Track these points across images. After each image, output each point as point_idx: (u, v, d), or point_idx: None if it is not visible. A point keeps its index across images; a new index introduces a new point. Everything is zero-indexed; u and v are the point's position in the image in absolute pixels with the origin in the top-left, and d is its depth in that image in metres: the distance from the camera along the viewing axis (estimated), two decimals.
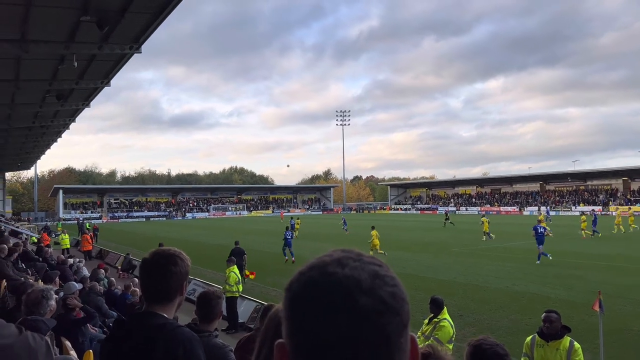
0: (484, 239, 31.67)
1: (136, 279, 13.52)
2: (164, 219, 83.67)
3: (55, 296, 4.24)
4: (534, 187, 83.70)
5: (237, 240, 19.88)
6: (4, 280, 8.08)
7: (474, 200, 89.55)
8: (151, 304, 2.26)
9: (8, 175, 70.31)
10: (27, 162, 48.82)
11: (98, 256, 27.70)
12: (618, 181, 73.09)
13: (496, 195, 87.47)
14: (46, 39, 12.26)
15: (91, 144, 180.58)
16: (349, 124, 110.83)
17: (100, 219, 76.65)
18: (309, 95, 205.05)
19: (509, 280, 17.51)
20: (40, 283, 8.02)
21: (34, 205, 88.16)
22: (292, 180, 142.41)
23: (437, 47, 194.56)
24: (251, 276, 16.99)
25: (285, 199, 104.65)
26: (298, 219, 40.86)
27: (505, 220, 53.76)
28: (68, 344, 4.47)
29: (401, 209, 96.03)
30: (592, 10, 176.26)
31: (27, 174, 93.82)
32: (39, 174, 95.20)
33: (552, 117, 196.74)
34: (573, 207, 70.95)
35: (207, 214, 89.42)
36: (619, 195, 71.52)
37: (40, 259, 13.49)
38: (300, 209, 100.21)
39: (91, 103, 20.51)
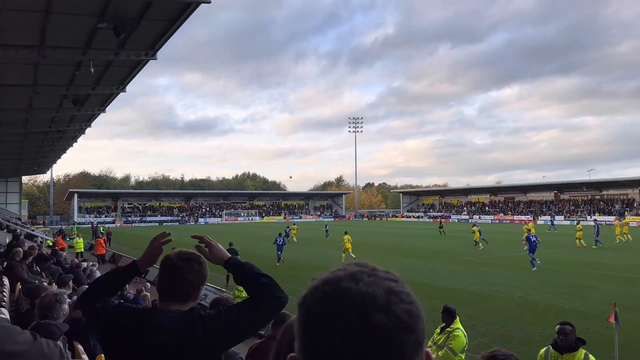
0: (480, 246, 32.03)
1: (148, 284, 13.61)
2: (177, 223, 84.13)
3: (68, 300, 4.27)
4: (549, 196, 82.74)
5: (232, 242, 21.55)
6: (19, 283, 8.17)
7: (487, 208, 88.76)
8: (168, 303, 2.26)
9: (25, 179, 71.38)
10: (44, 166, 49.50)
11: (111, 260, 27.92)
12: (634, 191, 71.95)
13: (510, 204, 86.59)
14: (64, 45, 12.46)
15: (107, 149, 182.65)
16: (361, 131, 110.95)
17: (114, 223, 77.33)
18: (322, 102, 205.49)
19: (523, 289, 17.29)
20: (54, 286, 8.10)
21: (49, 208, 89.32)
22: (304, 187, 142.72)
23: (452, 54, 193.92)
24: None
25: (297, 205, 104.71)
26: (294, 224, 42.54)
27: (519, 229, 53.15)
28: (80, 347, 4.50)
29: (413, 216, 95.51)
30: (610, 19, 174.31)
31: (43, 177, 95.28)
32: (55, 178, 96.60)
33: (567, 126, 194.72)
34: (588, 217, 69.94)
35: (219, 219, 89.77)
36: (635, 205, 70.40)
37: (55, 263, 13.62)
38: (311, 215, 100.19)
39: (107, 108, 20.77)
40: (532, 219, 62.53)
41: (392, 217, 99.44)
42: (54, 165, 54.51)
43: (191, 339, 2.14)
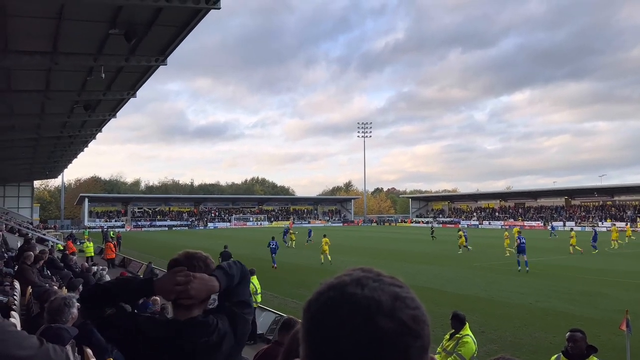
0: (462, 250, 32.78)
1: None
2: (186, 228, 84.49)
3: (77, 304, 4.31)
4: (559, 201, 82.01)
5: (226, 245, 23.14)
6: (30, 287, 8.24)
7: (497, 214, 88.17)
8: (180, 307, 2.26)
9: (36, 183, 72.08)
10: (55, 170, 50.02)
11: (121, 264, 28.08)
12: None
13: (520, 210, 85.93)
14: (76, 51, 12.62)
15: (118, 154, 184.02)
16: (370, 136, 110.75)
17: (124, 227, 77.81)
18: (332, 107, 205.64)
19: (533, 296, 17.13)
20: (65, 290, 8.16)
21: (60, 213, 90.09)
22: (313, 192, 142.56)
23: (463, 59, 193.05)
24: None
25: (305, 210, 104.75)
26: (292, 232, 43.61)
27: (530, 236, 52.66)
28: (89, 351, 4.52)
29: (422, 222, 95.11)
30: (624, 23, 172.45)
31: (55, 182, 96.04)
32: (66, 183, 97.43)
33: (579, 131, 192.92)
34: (600, 223, 69.22)
35: (228, 224, 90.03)
36: None
37: (65, 267, 13.73)
38: (320, 220, 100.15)
39: (117, 114, 20.96)
40: (551, 226, 61.64)
41: (401, 222, 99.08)
42: (65, 170, 55.13)
43: (225, 337, 2.20)
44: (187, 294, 2.16)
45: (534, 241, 43.82)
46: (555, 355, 5.81)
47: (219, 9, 10.34)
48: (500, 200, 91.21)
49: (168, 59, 13.53)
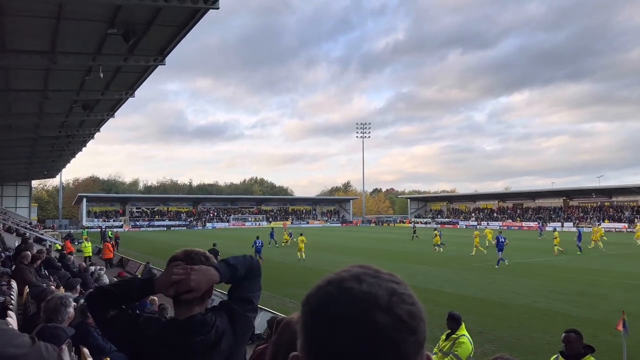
0: (438, 249, 34.40)
1: None
2: (185, 228, 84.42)
3: (74, 304, 4.30)
4: (557, 202, 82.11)
5: (215, 243, 24.35)
6: (27, 287, 8.24)
7: (495, 214, 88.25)
8: (180, 306, 2.26)
9: (34, 183, 72.03)
10: (53, 170, 49.96)
11: (119, 264, 28.05)
12: None
13: (518, 210, 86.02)
14: (74, 50, 12.61)
15: (117, 154, 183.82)
16: (369, 137, 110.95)
17: (122, 227, 77.74)
18: (332, 108, 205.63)
19: (531, 297, 17.16)
20: (62, 290, 8.15)
21: (58, 212, 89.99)
22: (312, 192, 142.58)
23: (462, 60, 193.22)
24: None
25: (304, 210, 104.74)
26: (287, 235, 44.82)
27: (527, 236, 52.85)
28: (86, 351, 4.52)
29: (421, 222, 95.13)
30: (624, 25, 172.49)
31: (53, 182, 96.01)
32: (64, 182, 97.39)
33: (577, 132, 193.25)
34: (597, 224, 69.36)
35: (227, 224, 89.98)
36: None
37: (63, 266, 13.71)
38: (319, 220, 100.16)
39: (116, 113, 20.95)
40: (540, 227, 61.92)
41: (400, 222, 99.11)
42: (63, 170, 55.04)
43: (224, 335, 2.19)
44: (187, 285, 2.15)
45: (531, 242, 43.90)
46: (555, 356, 5.83)
47: (218, 8, 10.34)
48: (498, 201, 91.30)
49: (167, 59, 13.53)
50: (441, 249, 34.72)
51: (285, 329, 1.84)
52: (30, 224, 53.41)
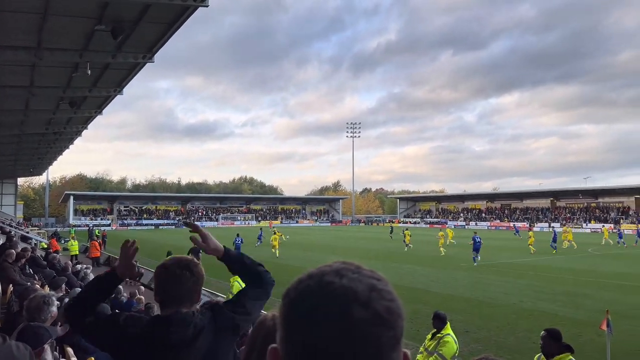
0: (407, 248, 35.97)
1: (142, 287, 13.55)
2: (173, 227, 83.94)
3: (57, 303, 4.25)
4: (545, 203, 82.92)
5: None
6: (11, 285, 8.13)
7: (483, 215, 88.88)
8: (164, 305, 2.34)
9: (20, 180, 71.13)
10: (39, 168, 49.36)
11: (106, 263, 27.79)
12: (630, 199, 72.18)
13: (506, 211, 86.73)
14: (61, 47, 12.46)
15: (105, 152, 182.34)
16: (359, 136, 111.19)
17: (110, 225, 77.11)
18: (323, 107, 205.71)
19: (518, 296, 17.30)
20: (47, 289, 8.06)
21: (44, 210, 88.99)
22: (302, 191, 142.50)
23: (454, 61, 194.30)
24: None
25: (294, 209, 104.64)
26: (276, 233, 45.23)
27: (514, 237, 53.24)
28: (70, 350, 4.47)
29: (410, 222, 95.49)
30: (612, 28, 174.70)
31: (39, 179, 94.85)
32: (51, 180, 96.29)
33: (566, 134, 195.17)
34: (584, 224, 70.19)
35: (216, 223, 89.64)
36: (630, 213, 70.60)
37: (48, 265, 13.56)
38: (308, 220, 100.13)
39: (104, 111, 20.75)
40: (515, 227, 62.60)
41: (389, 222, 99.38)
42: (50, 168, 54.46)
43: (202, 332, 2.25)
44: (207, 241, 2.47)
45: (519, 242, 44.26)
46: (538, 355, 5.89)
47: (207, 6, 10.28)
48: (487, 201, 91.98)
49: (157, 56, 13.42)
50: (411, 247, 36.38)
51: (259, 327, 1.85)
52: (15, 222, 52.77)
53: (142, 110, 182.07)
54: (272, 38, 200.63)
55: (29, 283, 8.40)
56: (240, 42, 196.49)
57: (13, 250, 9.85)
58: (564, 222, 73.17)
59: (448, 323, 7.01)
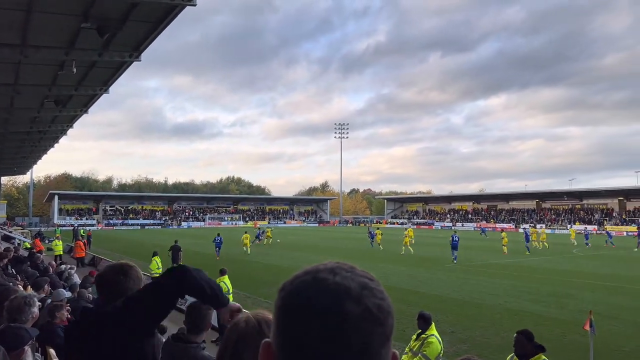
0: (381, 247, 37.66)
1: None
2: (160, 227, 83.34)
3: (39, 304, 4.20)
4: (530, 204, 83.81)
5: (177, 239, 25.13)
6: None
7: (470, 216, 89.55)
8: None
9: (3, 179, 70.09)
10: (23, 166, 48.65)
11: (91, 263, 27.50)
12: (614, 201, 73.31)
13: (492, 212, 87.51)
14: (46, 44, 12.30)
15: (91, 150, 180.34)
16: (347, 137, 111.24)
17: (96, 225, 76.32)
18: (311, 108, 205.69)
19: (503, 297, 17.46)
20: (30, 289, 7.96)
21: (28, 210, 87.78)
22: (290, 192, 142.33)
23: (442, 63, 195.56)
24: None
25: (281, 210, 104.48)
26: (269, 229, 48.40)
27: (500, 237, 53.68)
28: (52, 352, 4.42)
29: (397, 223, 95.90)
30: (598, 31, 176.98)
31: (23, 178, 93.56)
32: (35, 179, 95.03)
33: (552, 136, 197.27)
34: (569, 226, 71.02)
35: (202, 223, 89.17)
36: (614, 215, 71.66)
37: (31, 265, 13.38)
38: (296, 220, 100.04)
39: (90, 109, 20.53)
40: (482, 228, 63.15)
41: (377, 223, 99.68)
42: (35, 166, 53.69)
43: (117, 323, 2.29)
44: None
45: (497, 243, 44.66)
46: (510, 355, 5.99)
47: (195, 5, 10.23)
48: (473, 203, 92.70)
49: (145, 55, 13.30)
50: (380, 247, 37.95)
51: (232, 330, 1.85)
52: None
53: (129, 109, 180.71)
54: (262, 38, 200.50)
55: (10, 283, 8.28)
56: (229, 42, 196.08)
57: None
58: (549, 223, 74.05)
59: (433, 324, 7.05)
